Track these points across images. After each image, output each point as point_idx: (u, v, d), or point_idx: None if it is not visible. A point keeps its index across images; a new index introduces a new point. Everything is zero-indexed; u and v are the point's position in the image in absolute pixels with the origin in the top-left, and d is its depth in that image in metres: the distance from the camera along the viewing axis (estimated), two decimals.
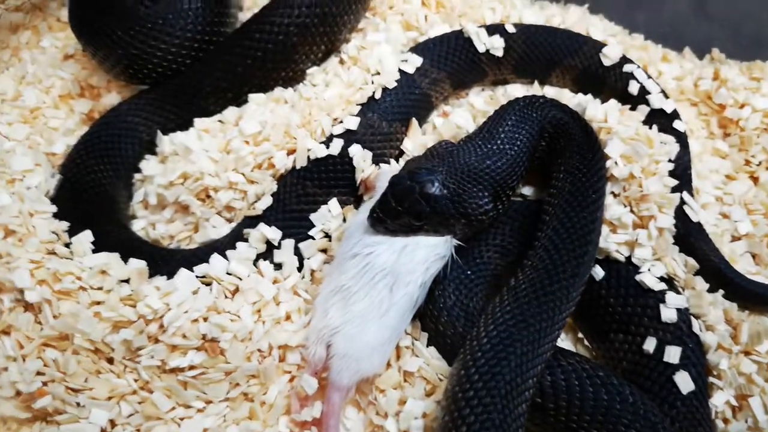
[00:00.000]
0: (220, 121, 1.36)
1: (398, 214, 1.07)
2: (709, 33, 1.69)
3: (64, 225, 1.20)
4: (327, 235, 1.26)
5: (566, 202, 1.14)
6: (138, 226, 1.33)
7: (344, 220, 1.29)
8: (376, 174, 1.26)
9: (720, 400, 1.14)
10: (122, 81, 1.45)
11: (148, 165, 1.36)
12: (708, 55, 1.68)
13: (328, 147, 1.28)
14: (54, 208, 1.22)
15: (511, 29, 1.41)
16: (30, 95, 1.47)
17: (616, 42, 1.54)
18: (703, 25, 1.71)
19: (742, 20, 1.69)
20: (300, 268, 1.23)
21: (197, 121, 1.35)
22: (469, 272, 1.17)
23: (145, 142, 1.38)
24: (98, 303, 1.11)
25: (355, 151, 1.27)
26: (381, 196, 1.11)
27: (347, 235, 1.14)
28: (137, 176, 1.38)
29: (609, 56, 1.40)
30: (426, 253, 1.10)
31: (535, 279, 1.06)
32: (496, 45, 1.40)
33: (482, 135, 1.21)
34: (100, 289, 1.12)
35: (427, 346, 1.16)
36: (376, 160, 1.34)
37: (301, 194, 1.27)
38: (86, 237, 1.17)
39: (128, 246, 1.19)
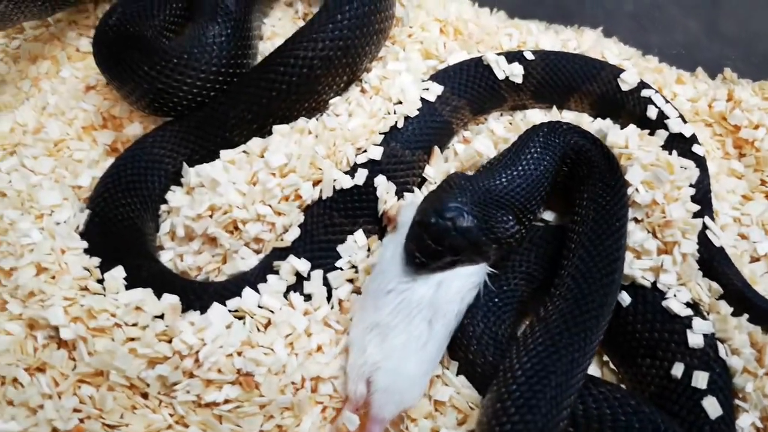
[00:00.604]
0: (244, 152, 1.37)
1: (439, 254, 1.09)
2: (721, 52, 1.71)
3: (96, 261, 1.21)
4: (353, 266, 1.28)
5: (591, 230, 1.16)
6: (166, 258, 1.35)
7: (369, 250, 1.31)
8: (397, 207, 1.27)
9: (746, 422, 1.16)
10: (146, 113, 1.46)
11: (175, 197, 1.37)
12: (720, 74, 1.70)
13: (352, 177, 1.30)
14: (85, 244, 1.23)
15: (529, 56, 1.43)
16: (53, 127, 1.48)
17: (630, 65, 1.56)
18: (715, 45, 1.73)
19: (754, 40, 1.71)
20: (328, 299, 1.24)
21: (223, 152, 1.36)
22: (497, 300, 1.19)
23: (170, 173, 1.39)
24: (133, 339, 1.12)
25: (380, 181, 1.29)
26: (415, 239, 1.11)
27: (378, 271, 1.16)
28: (163, 207, 1.39)
29: (627, 81, 1.42)
30: (461, 284, 1.12)
31: (564, 310, 1.08)
32: (516, 72, 1.42)
33: (503, 161, 1.23)
34: (135, 325, 1.13)
35: (457, 375, 1.18)
36: (400, 189, 1.36)
37: (328, 224, 1.28)
38: (119, 273, 1.18)
39: (160, 280, 1.20)
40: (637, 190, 1.24)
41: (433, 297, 1.10)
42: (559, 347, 1.03)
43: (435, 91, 1.39)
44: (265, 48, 1.54)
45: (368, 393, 1.06)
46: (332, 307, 1.24)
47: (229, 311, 1.16)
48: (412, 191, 1.38)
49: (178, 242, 1.36)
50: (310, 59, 1.30)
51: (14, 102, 1.64)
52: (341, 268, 1.26)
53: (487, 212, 1.14)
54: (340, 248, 1.27)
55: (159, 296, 1.17)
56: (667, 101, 1.40)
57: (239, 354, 1.12)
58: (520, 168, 1.21)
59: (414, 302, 1.09)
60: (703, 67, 1.71)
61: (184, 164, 1.38)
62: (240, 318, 1.17)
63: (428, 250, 1.10)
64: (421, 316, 1.08)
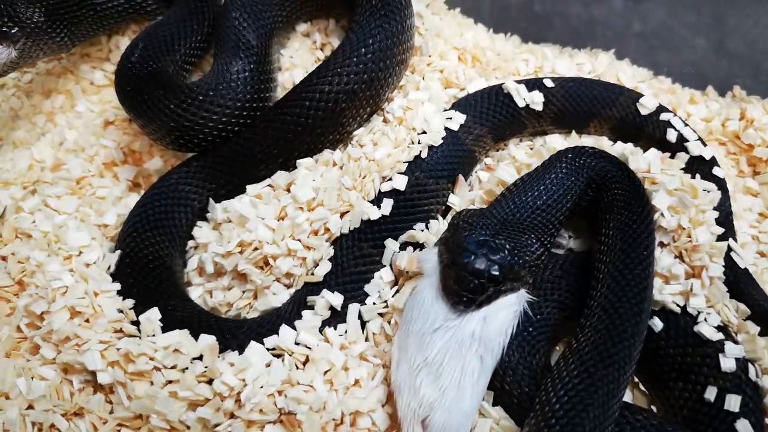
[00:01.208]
0: (270, 185, 1.38)
1: (483, 287, 1.10)
2: (729, 70, 1.75)
3: (129, 303, 1.21)
4: (384, 300, 1.28)
5: (618, 259, 1.17)
6: (195, 294, 1.34)
7: (396, 283, 1.31)
8: (413, 260, 1.26)
9: None
10: (169, 149, 1.46)
11: (202, 233, 1.37)
12: (730, 92, 1.73)
13: (379, 207, 1.31)
14: (118, 286, 1.23)
15: (549, 83, 1.45)
16: (74, 165, 1.48)
17: (645, 87, 1.58)
18: (723, 63, 1.76)
19: (761, 57, 1.74)
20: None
21: (249, 187, 1.36)
22: (531, 329, 1.20)
23: (196, 209, 1.39)
24: (172, 382, 1.12)
25: (389, 244, 1.31)
26: (457, 279, 1.11)
27: (418, 313, 1.14)
28: (190, 243, 1.39)
29: (646, 106, 1.44)
30: (505, 315, 1.13)
31: (597, 341, 1.09)
32: (536, 100, 1.43)
33: (524, 185, 1.25)
34: (173, 367, 1.13)
35: (494, 405, 1.19)
36: (424, 217, 1.37)
37: (358, 256, 1.29)
38: (154, 315, 1.18)
39: (195, 320, 1.20)
40: (662, 215, 1.26)
41: (482, 332, 1.11)
42: (594, 379, 1.04)
43: (458, 120, 1.40)
44: (284, 79, 1.54)
45: None
46: (367, 340, 1.25)
47: (267, 349, 1.16)
48: (437, 219, 1.39)
49: (206, 278, 1.36)
50: (335, 93, 1.31)
51: (29, 137, 1.64)
52: (374, 302, 1.27)
53: (511, 238, 1.16)
54: (367, 287, 1.27)
55: (195, 337, 1.17)
56: (686, 124, 1.42)
57: (280, 393, 1.12)
58: (542, 189, 1.23)
59: (465, 339, 1.09)
60: (712, 85, 1.74)
61: (211, 200, 1.38)
62: (278, 356, 1.17)
63: (471, 286, 1.10)
64: (473, 351, 1.09)
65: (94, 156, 1.51)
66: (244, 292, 1.32)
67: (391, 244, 1.29)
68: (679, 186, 1.29)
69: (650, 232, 1.21)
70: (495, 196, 1.38)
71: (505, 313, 1.12)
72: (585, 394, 1.02)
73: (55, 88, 1.70)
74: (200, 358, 1.14)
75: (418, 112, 1.40)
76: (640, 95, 1.45)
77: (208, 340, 1.15)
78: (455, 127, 1.39)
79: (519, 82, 1.45)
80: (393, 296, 1.28)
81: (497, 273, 1.11)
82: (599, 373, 1.04)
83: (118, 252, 1.29)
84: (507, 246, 1.14)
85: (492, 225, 1.18)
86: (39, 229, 1.34)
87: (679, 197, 1.27)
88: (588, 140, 1.48)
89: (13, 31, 1.41)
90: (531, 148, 1.48)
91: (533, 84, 1.46)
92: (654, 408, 1.27)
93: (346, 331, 1.23)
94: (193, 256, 1.39)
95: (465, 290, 1.09)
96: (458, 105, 1.45)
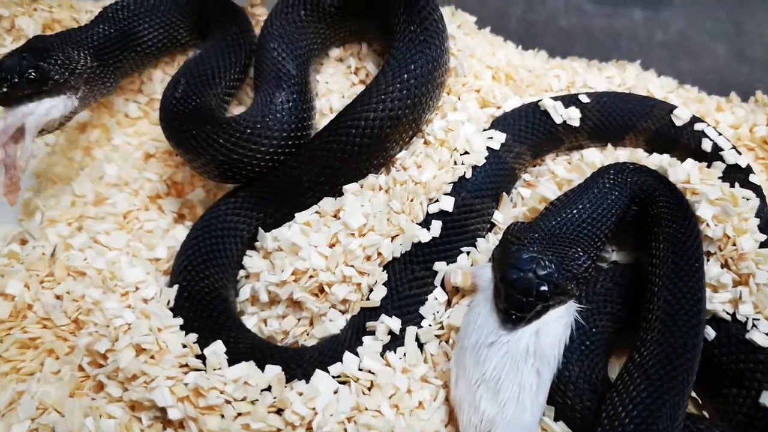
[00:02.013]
0: (317, 212, 1.40)
1: (531, 305, 1.12)
2: (751, 76, 1.79)
3: (193, 337, 1.22)
4: (440, 322, 1.30)
5: (672, 272, 1.20)
6: (250, 323, 1.36)
7: (450, 302, 1.33)
8: (468, 276, 1.29)
9: None
10: (215, 181, 1.48)
11: (253, 262, 1.39)
12: (752, 97, 1.77)
13: (428, 229, 1.34)
14: (180, 321, 1.24)
15: (584, 99, 1.48)
16: (120, 200, 1.49)
17: (674, 97, 1.62)
18: (743, 69, 1.80)
19: None
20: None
21: (298, 215, 1.38)
22: (588, 343, 1.23)
23: (246, 239, 1.41)
24: (242, 414, 1.14)
25: (440, 267, 1.33)
26: (506, 297, 1.14)
27: (473, 328, 1.18)
28: (240, 272, 1.41)
29: (680, 117, 1.47)
30: (557, 327, 1.16)
31: (660, 354, 1.12)
32: (573, 116, 1.46)
33: (569, 200, 1.28)
34: (243, 400, 1.15)
35: (556, 420, 1.21)
36: (471, 236, 1.39)
37: (411, 279, 1.31)
38: (219, 348, 1.19)
39: (258, 351, 1.21)
40: (707, 225, 1.29)
41: (536, 346, 1.13)
42: (661, 392, 1.08)
43: (499, 139, 1.43)
44: (321, 105, 1.56)
45: None
46: (426, 362, 1.27)
47: (333, 377, 1.18)
48: (483, 237, 1.42)
49: (260, 307, 1.37)
50: (380, 120, 1.33)
51: (68, 173, 1.64)
52: (430, 324, 1.29)
53: (558, 252, 1.19)
54: (422, 310, 1.29)
55: (261, 367, 1.18)
56: (720, 133, 1.46)
57: (349, 420, 1.14)
58: (587, 204, 1.26)
59: (520, 353, 1.12)
60: (734, 91, 1.78)
61: (260, 230, 1.40)
62: (343, 382, 1.19)
63: (519, 304, 1.14)
64: (529, 366, 1.12)
65: (139, 190, 1.52)
66: (299, 319, 1.34)
67: (441, 266, 1.32)
68: (720, 195, 1.32)
69: (699, 243, 1.25)
70: (538, 212, 1.42)
71: (556, 325, 1.16)
72: (653, 407, 1.06)
73: (90, 122, 1.71)
74: (268, 388, 1.16)
75: (460, 133, 1.42)
76: (674, 107, 1.49)
77: (275, 371, 1.17)
78: (496, 146, 1.42)
79: (555, 98, 1.49)
80: (448, 316, 1.30)
81: (545, 289, 1.14)
82: (665, 386, 1.08)
83: (176, 286, 1.30)
84: (555, 261, 1.17)
85: (540, 240, 1.21)
86: (93, 267, 1.35)
87: (721, 206, 1.30)
88: (623, 153, 1.51)
89: (72, 81, 1.42)
90: (569, 163, 1.51)
91: (569, 100, 1.49)
92: (706, 413, 1.30)
93: (404, 354, 1.25)
94: (244, 285, 1.40)
95: (513, 308, 1.13)
96: (497, 124, 1.47)
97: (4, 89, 1.33)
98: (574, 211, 1.26)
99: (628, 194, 1.29)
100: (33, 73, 1.35)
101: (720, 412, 1.27)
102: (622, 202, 1.28)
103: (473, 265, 1.34)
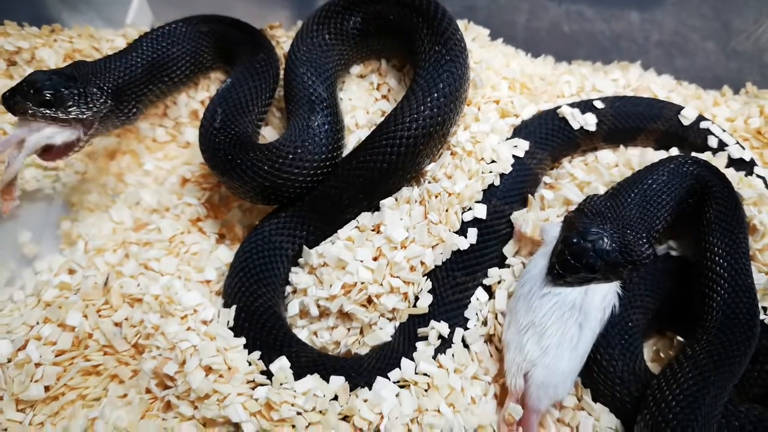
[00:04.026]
0: (357, 227, 1.48)
1: (576, 269, 1.23)
2: (740, 69, 1.91)
3: (257, 354, 1.30)
4: (483, 321, 1.40)
5: (730, 267, 1.28)
6: (302, 336, 1.43)
7: (490, 297, 1.43)
8: (537, 228, 1.41)
9: None
10: (256, 204, 1.54)
11: (300, 278, 1.46)
12: (743, 89, 1.90)
13: (465, 237, 1.43)
14: (243, 341, 1.31)
15: (599, 105, 1.59)
16: (165, 225, 1.54)
17: (675, 96, 1.73)
18: (732, 63, 1.92)
19: (765, 55, 1.91)
20: None
21: (341, 231, 1.46)
22: (627, 336, 1.32)
23: (291, 257, 1.48)
24: (313, 424, 1.22)
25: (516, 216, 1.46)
26: (557, 254, 1.26)
27: (529, 277, 1.30)
28: (287, 289, 1.49)
29: (687, 117, 1.59)
30: (602, 295, 1.27)
31: (714, 354, 1.21)
32: (590, 121, 1.56)
33: (634, 189, 1.34)
34: (313, 410, 1.23)
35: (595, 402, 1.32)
36: (504, 240, 1.49)
37: (454, 285, 1.40)
38: (285, 363, 1.27)
39: (320, 363, 1.29)
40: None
41: (582, 303, 1.25)
42: (708, 383, 1.17)
43: (522, 146, 1.52)
44: (347, 122, 1.63)
45: (525, 386, 1.22)
46: (472, 360, 1.37)
47: (393, 382, 1.27)
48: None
49: (309, 320, 1.45)
50: (414, 137, 1.41)
51: (103, 200, 1.69)
52: (474, 324, 1.39)
53: (624, 235, 1.26)
54: (467, 312, 1.39)
55: (325, 379, 1.27)
56: (724, 130, 1.58)
57: (412, 421, 1.23)
58: (652, 194, 1.33)
59: (567, 304, 1.24)
60: (727, 84, 1.90)
61: (305, 247, 1.47)
62: (402, 387, 1.28)
63: (566, 265, 1.25)
64: (573, 318, 1.24)
65: (180, 214, 1.58)
66: (349, 329, 1.42)
67: (494, 272, 1.44)
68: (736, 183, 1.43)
69: (747, 241, 1.33)
70: (562, 215, 1.52)
71: (602, 294, 1.26)
72: (699, 395, 1.16)
73: (119, 148, 1.75)
74: (335, 398, 1.25)
75: (486, 143, 1.51)
76: (681, 107, 1.60)
77: (339, 381, 1.26)
78: (521, 153, 1.51)
79: (572, 105, 1.58)
80: (489, 310, 1.40)
81: (594, 263, 1.23)
82: (712, 378, 1.18)
83: (234, 307, 1.37)
84: (618, 243, 1.25)
85: (613, 218, 1.28)
86: (150, 293, 1.41)
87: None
88: (634, 152, 1.62)
89: (86, 117, 1.46)
90: (585, 164, 1.61)
91: (585, 106, 1.59)
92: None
93: (453, 355, 1.35)
94: (292, 300, 1.48)
95: (560, 265, 1.24)
96: (519, 132, 1.57)
97: (18, 99, 1.37)
98: (644, 198, 1.31)
99: (686, 186, 1.36)
100: (48, 95, 1.38)
101: (737, 387, 1.39)
102: (680, 194, 1.35)
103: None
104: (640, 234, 1.27)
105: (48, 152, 1.45)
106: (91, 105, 1.46)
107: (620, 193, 1.33)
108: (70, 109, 1.42)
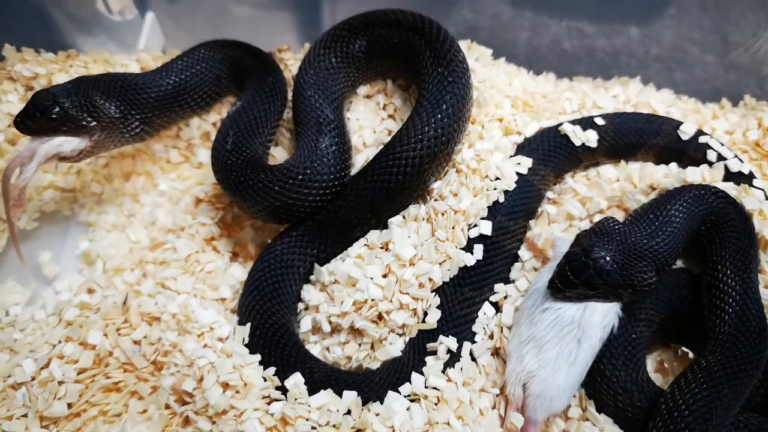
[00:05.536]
0: (366, 245, 1.53)
1: (574, 285, 1.28)
2: (738, 81, 1.95)
3: (272, 370, 1.34)
4: (490, 335, 1.45)
5: (740, 297, 1.31)
6: (314, 351, 1.48)
7: (497, 311, 1.48)
8: (549, 242, 1.46)
9: None
10: (268, 223, 1.59)
11: (311, 295, 1.51)
12: (742, 101, 1.94)
13: (472, 253, 1.47)
14: (258, 357, 1.36)
15: (600, 121, 1.63)
16: (180, 245, 1.60)
17: (675, 110, 1.77)
18: (731, 76, 1.96)
19: (763, 67, 1.95)
20: None
21: (350, 249, 1.51)
22: (630, 348, 1.36)
23: (303, 274, 1.53)
24: None
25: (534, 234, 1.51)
26: (558, 268, 1.31)
27: (533, 291, 1.35)
28: (300, 306, 1.53)
29: (686, 132, 1.63)
30: (602, 313, 1.31)
31: (727, 368, 1.24)
32: (591, 138, 1.61)
33: (649, 216, 1.37)
34: (327, 424, 1.27)
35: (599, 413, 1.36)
36: (509, 256, 1.53)
37: (461, 300, 1.44)
38: (299, 379, 1.32)
39: (333, 379, 1.34)
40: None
41: (581, 318, 1.29)
42: (720, 395, 1.21)
43: (526, 164, 1.56)
44: (355, 141, 1.67)
45: (524, 396, 1.28)
46: (480, 373, 1.41)
47: (404, 396, 1.31)
48: (516, 256, 1.56)
49: (321, 336, 1.50)
50: (419, 157, 1.45)
51: (120, 221, 1.75)
52: (482, 338, 1.43)
53: (629, 262, 1.28)
54: (474, 327, 1.43)
55: (337, 394, 1.31)
56: (722, 144, 1.62)
57: None
58: (666, 224, 1.34)
59: (566, 321, 1.29)
60: (725, 96, 1.94)
61: (316, 265, 1.52)
62: (412, 401, 1.32)
63: (565, 279, 1.29)
64: (571, 334, 1.28)
65: (195, 234, 1.63)
66: (360, 345, 1.47)
67: (500, 287, 1.49)
68: (736, 194, 1.47)
69: (758, 264, 1.38)
70: (566, 228, 1.56)
71: (602, 311, 1.30)
72: (711, 406, 1.20)
73: (134, 170, 1.81)
74: (348, 412, 1.29)
75: (490, 161, 1.55)
76: (680, 122, 1.64)
77: (351, 396, 1.30)
78: (524, 170, 1.56)
79: (573, 122, 1.63)
80: (495, 324, 1.45)
81: (593, 281, 1.27)
82: (725, 390, 1.21)
83: (248, 325, 1.42)
84: (620, 266, 1.27)
85: (621, 243, 1.30)
86: (167, 312, 1.46)
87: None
88: (635, 166, 1.66)
89: (91, 125, 1.50)
90: (588, 179, 1.65)
91: (586, 123, 1.63)
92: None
93: (461, 369, 1.39)
94: (304, 317, 1.52)
95: (558, 278, 1.28)
96: (522, 149, 1.61)
97: (29, 123, 1.44)
98: (659, 228, 1.34)
99: (702, 216, 1.39)
100: (55, 114, 1.44)
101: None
102: (696, 225, 1.39)
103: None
104: (646, 260, 1.29)
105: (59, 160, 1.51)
106: (95, 113, 1.50)
107: (636, 219, 1.37)
108: (75, 120, 1.47)
